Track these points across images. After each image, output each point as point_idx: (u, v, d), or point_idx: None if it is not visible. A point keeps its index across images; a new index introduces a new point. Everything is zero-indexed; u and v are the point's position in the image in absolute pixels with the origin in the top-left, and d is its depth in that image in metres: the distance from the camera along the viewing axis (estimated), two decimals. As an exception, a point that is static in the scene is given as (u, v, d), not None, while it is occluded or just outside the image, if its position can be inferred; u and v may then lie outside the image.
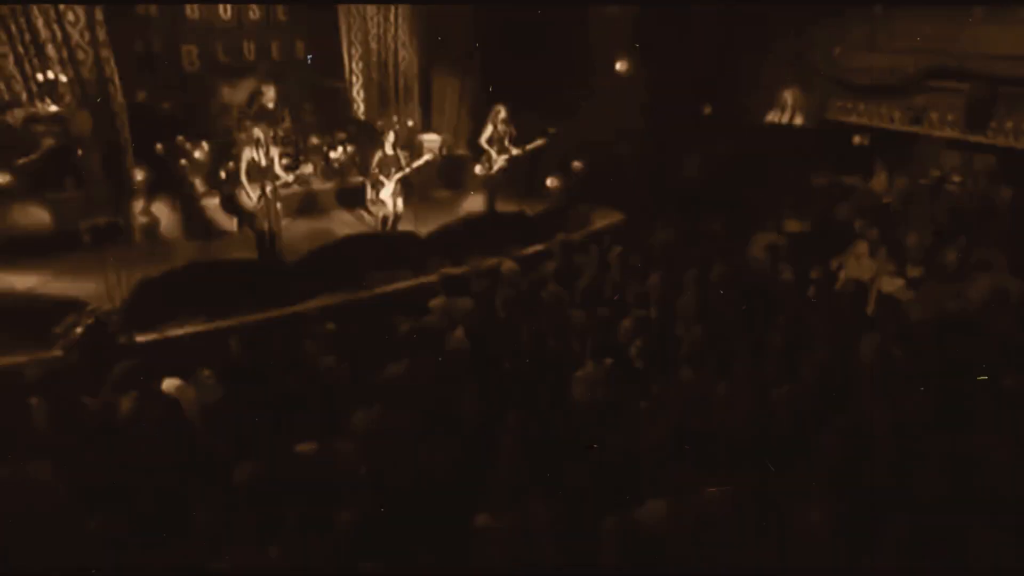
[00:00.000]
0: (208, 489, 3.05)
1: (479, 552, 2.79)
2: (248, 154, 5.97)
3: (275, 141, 7.47)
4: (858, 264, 6.68)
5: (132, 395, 3.68)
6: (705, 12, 7.83)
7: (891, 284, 6.28)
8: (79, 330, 4.41)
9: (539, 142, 8.08)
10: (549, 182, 9.43)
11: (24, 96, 7.45)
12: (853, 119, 7.99)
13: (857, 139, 8.87)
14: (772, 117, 8.46)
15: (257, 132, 5.97)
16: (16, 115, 7.05)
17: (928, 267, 6.41)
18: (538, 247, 7.28)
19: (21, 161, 6.67)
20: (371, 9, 9.75)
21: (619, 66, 8.58)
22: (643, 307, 5.21)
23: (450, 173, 9.82)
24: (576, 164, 8.62)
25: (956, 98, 7.00)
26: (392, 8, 9.91)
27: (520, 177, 9.18)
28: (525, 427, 3.56)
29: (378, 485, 3.17)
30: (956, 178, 7.96)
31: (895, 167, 8.07)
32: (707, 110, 9.31)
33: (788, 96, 8.22)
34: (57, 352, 4.47)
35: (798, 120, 8.24)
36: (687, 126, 8.50)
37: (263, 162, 5.96)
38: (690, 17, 7.90)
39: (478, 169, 8.63)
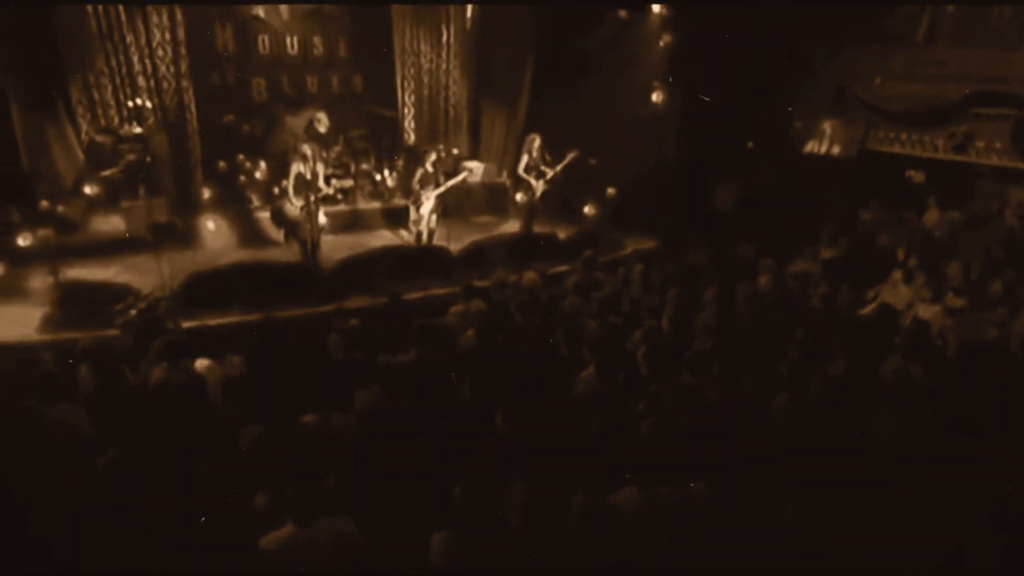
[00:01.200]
0: (214, 447, 3.34)
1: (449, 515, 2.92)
2: (296, 168, 6.51)
3: (325, 162, 8.07)
4: (893, 291, 6.50)
5: (163, 366, 4.06)
6: (741, 42, 7.98)
7: (927, 311, 6.06)
8: (133, 312, 4.90)
9: (571, 156, 8.31)
10: (586, 209, 9.65)
11: (116, 121, 8.42)
12: (896, 149, 7.83)
13: (913, 175, 8.66)
14: (811, 147, 8.41)
15: (305, 148, 6.52)
16: (107, 136, 7.96)
17: (972, 297, 6.15)
18: (565, 267, 7.44)
19: (105, 173, 7.49)
20: (425, 46, 10.45)
21: (655, 97, 8.80)
22: (656, 318, 5.26)
23: (492, 199, 10.19)
24: (611, 191, 8.81)
25: (1002, 124, 6.79)
26: (445, 47, 10.59)
27: (558, 203, 9.47)
28: (517, 414, 3.68)
29: (366, 453, 3.36)
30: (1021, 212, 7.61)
31: (951, 202, 7.81)
32: (749, 144, 9.35)
33: (827, 127, 8.18)
34: (114, 331, 4.97)
35: (836, 150, 8.16)
36: (723, 155, 8.56)
37: (308, 175, 6.48)
38: (727, 48, 8.06)
39: (519, 197, 8.96)
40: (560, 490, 3.09)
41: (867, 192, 8.03)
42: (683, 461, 3.38)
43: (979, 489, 3.06)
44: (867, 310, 5.96)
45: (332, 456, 3.34)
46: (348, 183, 8.50)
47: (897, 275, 6.41)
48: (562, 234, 8.36)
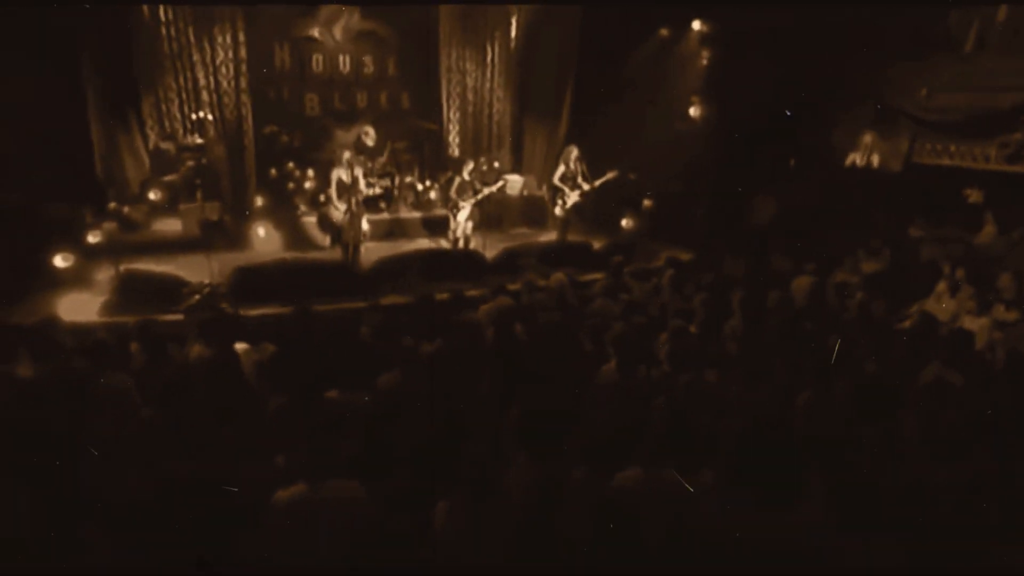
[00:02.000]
0: (242, 414, 3.55)
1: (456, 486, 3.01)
2: (337, 173, 6.85)
3: (370, 171, 8.43)
4: (937, 303, 6.25)
5: (202, 343, 4.34)
6: (782, 56, 7.95)
7: (974, 323, 5.81)
8: (197, 298, 5.29)
9: (610, 175, 8.41)
10: (624, 222, 9.69)
11: (180, 132, 9.08)
12: (945, 161, 7.58)
13: (971, 195, 8.35)
14: (851, 161, 8.24)
15: (347, 155, 6.86)
16: (171, 146, 8.58)
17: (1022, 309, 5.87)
18: (597, 275, 7.47)
19: (166, 178, 8.06)
20: (470, 65, 10.83)
21: (693, 111, 8.83)
22: (684, 320, 5.25)
23: (531, 212, 10.36)
24: (647, 203, 8.83)
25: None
26: (489, 65, 10.95)
27: (596, 215, 9.56)
28: (533, 399, 3.76)
29: (381, 427, 3.50)
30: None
31: (1009, 217, 7.47)
32: (791, 161, 9.23)
33: (868, 139, 8.00)
34: (178, 315, 5.36)
35: (878, 163, 7.96)
36: (762, 169, 8.48)
37: (348, 180, 6.81)
38: (767, 62, 8.04)
39: (557, 210, 9.08)
40: (563, 466, 3.15)
41: (914, 206, 7.78)
42: (693, 449, 3.38)
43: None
44: (907, 323, 5.76)
45: (349, 427, 3.48)
46: (386, 182, 8.78)
47: (942, 287, 6.18)
48: (597, 245, 8.42)
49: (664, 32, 9.78)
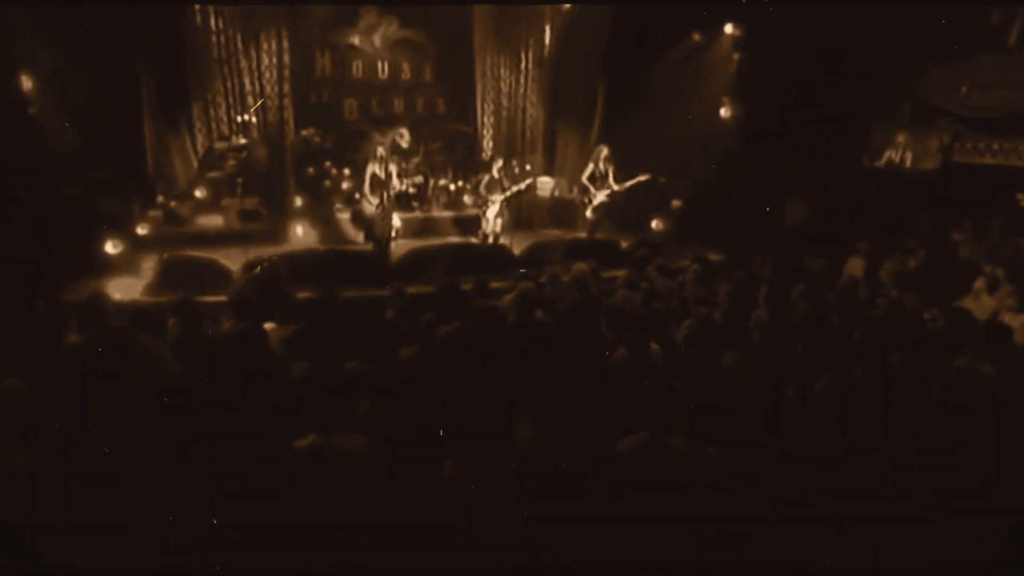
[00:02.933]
0: (266, 377, 3.72)
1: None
2: (371, 168, 7.09)
3: (404, 172, 8.67)
4: (976, 302, 6.05)
5: (232, 321, 4.57)
6: (815, 57, 7.89)
7: (1015, 320, 5.59)
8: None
9: (641, 178, 8.44)
10: (654, 223, 9.67)
11: (227, 132, 9.54)
12: (987, 159, 7.36)
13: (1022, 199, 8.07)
14: (887, 160, 8.08)
15: (380, 150, 7.10)
16: (219, 145, 9.04)
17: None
18: (622, 272, 7.48)
19: (210, 175, 8.48)
20: (504, 71, 11.07)
21: (724, 112, 8.81)
22: (708, 307, 5.22)
23: (561, 213, 10.44)
24: (676, 203, 8.82)
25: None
26: (523, 72, 11.17)
27: (625, 217, 9.57)
28: (546, 373, 3.83)
29: (397, 392, 3.62)
30: None
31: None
32: (821, 163, 9.06)
33: (902, 139, 7.84)
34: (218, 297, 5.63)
35: (915, 163, 7.78)
36: (794, 170, 8.37)
37: (383, 175, 7.04)
38: (800, 63, 7.99)
39: (588, 213, 9.12)
40: (569, 427, 3.20)
41: (955, 207, 7.56)
42: (704, 425, 3.38)
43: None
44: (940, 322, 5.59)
45: (365, 391, 3.62)
46: (419, 179, 8.97)
47: (980, 284, 5.98)
48: (625, 244, 8.43)
49: (697, 37, 9.81)
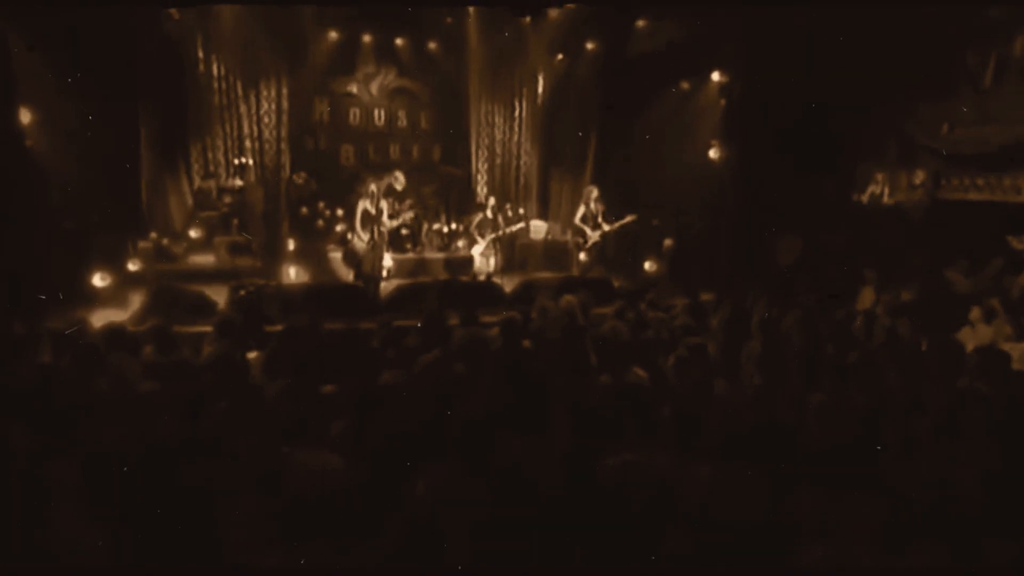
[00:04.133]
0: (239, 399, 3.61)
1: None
2: (363, 204, 7.15)
3: (397, 214, 8.75)
4: (972, 333, 5.98)
5: (212, 348, 4.49)
6: (801, 101, 8.10)
7: (1014, 349, 5.51)
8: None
9: (629, 219, 8.52)
10: (647, 265, 9.69)
11: (224, 176, 9.68)
12: (972, 195, 7.45)
13: (1015, 242, 8.13)
14: (871, 199, 8.22)
15: (372, 187, 7.18)
16: (212, 185, 9.16)
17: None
18: (607, 309, 7.43)
19: (203, 214, 8.55)
20: (498, 119, 11.37)
21: (713, 153, 8.98)
22: (696, 335, 5.15)
23: (554, 256, 10.48)
24: (668, 242, 8.87)
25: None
26: (517, 120, 11.48)
27: (618, 258, 9.61)
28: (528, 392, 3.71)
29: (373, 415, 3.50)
30: None
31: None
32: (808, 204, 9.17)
33: (880, 178, 8.00)
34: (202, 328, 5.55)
35: (899, 201, 7.90)
36: (786, 209, 8.47)
37: (373, 210, 7.09)
38: (786, 107, 8.20)
39: (582, 256, 9.16)
40: (551, 441, 3.08)
41: (941, 243, 7.61)
42: (692, 441, 3.25)
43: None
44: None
45: (340, 408, 3.50)
46: (410, 215, 9.00)
47: (976, 314, 5.93)
48: (617, 284, 8.42)
49: (685, 86, 10.13)
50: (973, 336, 5.87)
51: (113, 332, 3.97)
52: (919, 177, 7.66)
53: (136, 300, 6.79)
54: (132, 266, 7.49)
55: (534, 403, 3.36)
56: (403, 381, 4.14)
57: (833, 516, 2.48)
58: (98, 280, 6.61)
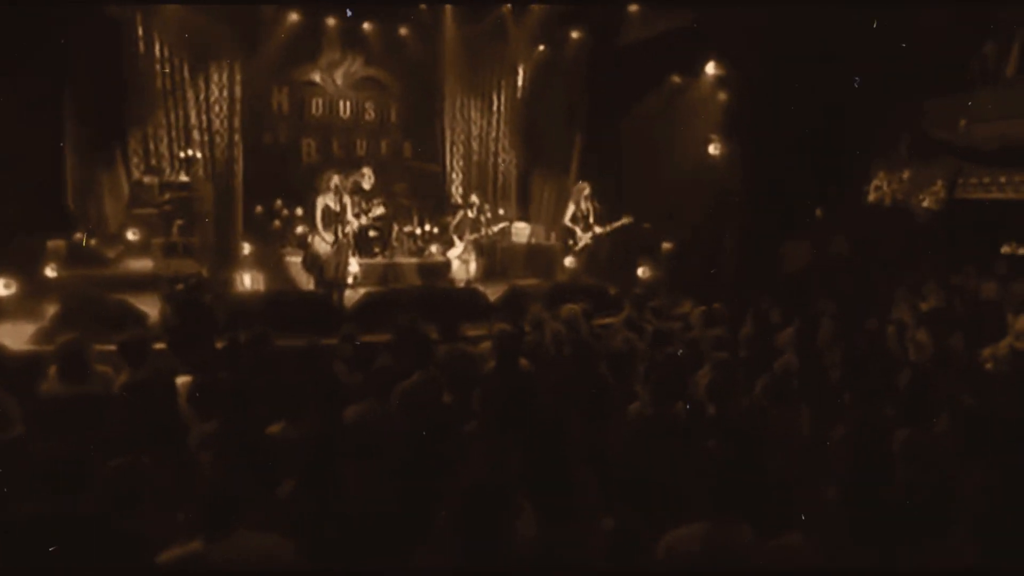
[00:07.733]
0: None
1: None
2: (323, 200, 6.21)
3: (363, 212, 7.78)
4: (1018, 340, 5.38)
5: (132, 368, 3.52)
6: (806, 94, 7.48)
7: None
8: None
9: (624, 221, 7.78)
10: (640, 271, 8.94)
11: (167, 171, 8.58)
12: (994, 194, 6.91)
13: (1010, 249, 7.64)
14: (886, 200, 7.64)
15: (335, 180, 6.24)
16: (153, 180, 8.07)
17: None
18: (613, 320, 6.64)
19: (139, 211, 7.47)
20: (475, 114, 10.52)
21: (713, 149, 8.30)
22: (726, 351, 4.39)
23: (539, 261, 9.66)
24: (666, 245, 8.13)
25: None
26: (495, 114, 10.64)
27: (610, 263, 8.85)
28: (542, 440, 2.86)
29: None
30: None
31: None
32: (817, 212, 8.62)
33: (903, 176, 7.43)
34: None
35: (918, 202, 7.33)
36: (793, 213, 7.83)
37: (336, 207, 6.15)
38: (791, 101, 7.58)
39: (568, 261, 8.35)
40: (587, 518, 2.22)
41: (961, 243, 7.06)
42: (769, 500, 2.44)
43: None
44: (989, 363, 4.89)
45: (288, 464, 2.58)
46: (379, 210, 8.00)
47: (1021, 323, 5.32)
48: (613, 291, 7.64)
49: (676, 79, 9.47)
50: (1020, 344, 5.27)
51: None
52: (935, 176, 7.10)
53: (51, 309, 5.71)
54: (50, 272, 6.38)
55: (551, 456, 2.48)
56: (375, 418, 3.26)
57: None
58: (1, 288, 5.52)
